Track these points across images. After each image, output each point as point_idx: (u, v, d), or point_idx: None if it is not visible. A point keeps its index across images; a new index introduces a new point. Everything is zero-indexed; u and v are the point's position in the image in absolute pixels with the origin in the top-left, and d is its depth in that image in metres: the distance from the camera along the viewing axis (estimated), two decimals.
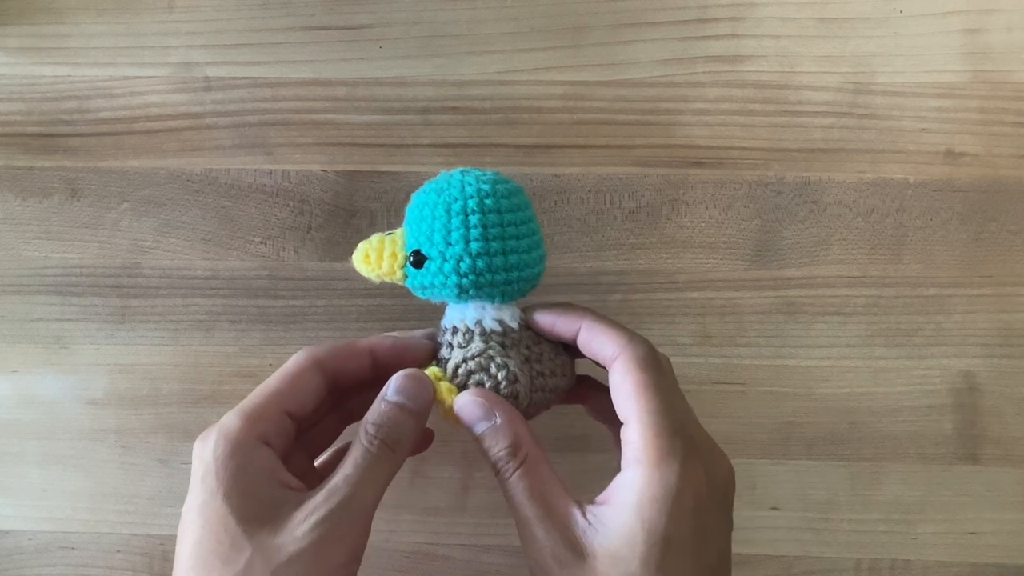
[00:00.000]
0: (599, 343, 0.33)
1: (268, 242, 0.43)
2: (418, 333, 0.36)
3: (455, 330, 0.34)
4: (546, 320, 0.34)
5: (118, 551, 0.44)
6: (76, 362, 0.43)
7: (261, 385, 0.32)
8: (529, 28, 0.41)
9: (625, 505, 0.30)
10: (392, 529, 0.43)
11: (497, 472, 0.32)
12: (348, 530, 0.30)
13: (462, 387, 0.33)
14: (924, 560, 0.43)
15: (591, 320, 0.34)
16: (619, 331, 0.33)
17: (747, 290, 0.42)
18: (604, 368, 0.33)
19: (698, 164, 0.42)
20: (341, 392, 0.34)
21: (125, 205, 0.43)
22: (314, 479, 0.32)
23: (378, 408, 0.32)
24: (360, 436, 0.31)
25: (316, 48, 0.42)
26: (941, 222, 0.42)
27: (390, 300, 0.43)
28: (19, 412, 0.44)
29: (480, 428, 0.32)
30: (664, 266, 0.42)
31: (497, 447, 0.31)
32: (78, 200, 0.43)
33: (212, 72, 0.42)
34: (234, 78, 0.42)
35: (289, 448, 0.32)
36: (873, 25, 0.41)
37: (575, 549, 0.30)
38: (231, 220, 0.43)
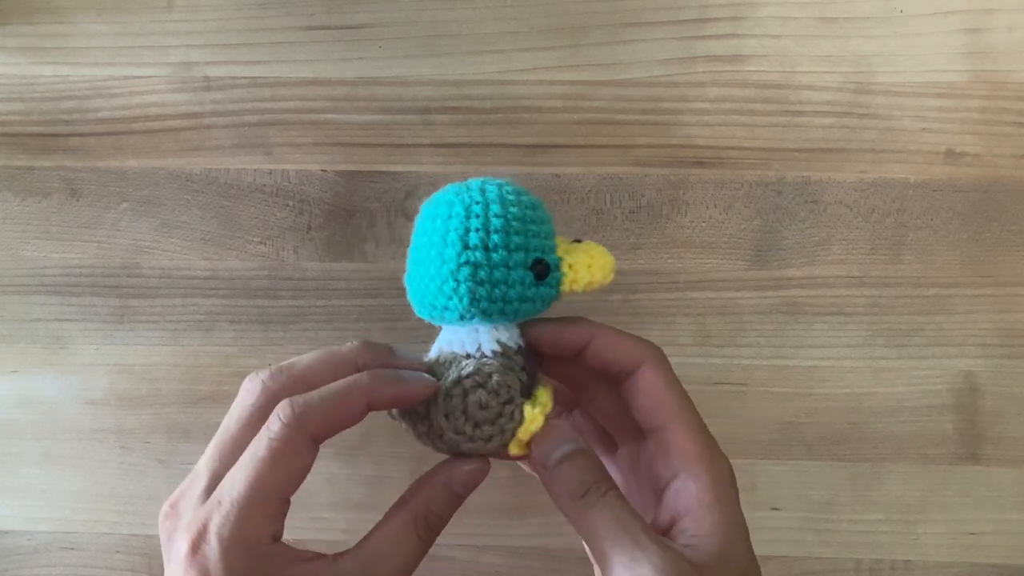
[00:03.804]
0: (618, 351, 0.32)
1: (268, 242, 0.43)
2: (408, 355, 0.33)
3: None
4: (551, 335, 0.32)
5: (118, 551, 0.44)
6: (75, 362, 0.43)
7: (250, 473, 0.27)
8: (529, 28, 0.41)
9: (704, 504, 0.29)
10: None
11: (583, 495, 0.29)
12: None
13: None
14: (924, 560, 0.43)
15: (602, 329, 0.32)
16: (634, 337, 0.32)
17: (747, 290, 0.42)
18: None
19: (698, 164, 0.42)
20: None
21: (124, 205, 0.43)
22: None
23: (442, 498, 0.30)
24: (414, 522, 0.30)
25: (316, 48, 0.42)
26: (942, 222, 0.42)
27: (390, 300, 0.43)
28: (18, 412, 0.44)
29: (565, 450, 0.30)
30: (664, 266, 0.42)
31: (588, 466, 0.30)
32: (77, 200, 0.43)
33: (211, 72, 0.42)
34: (233, 78, 0.42)
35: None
36: (874, 25, 0.41)
37: (690, 563, 0.27)
38: (230, 220, 0.43)
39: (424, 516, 0.30)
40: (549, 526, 0.43)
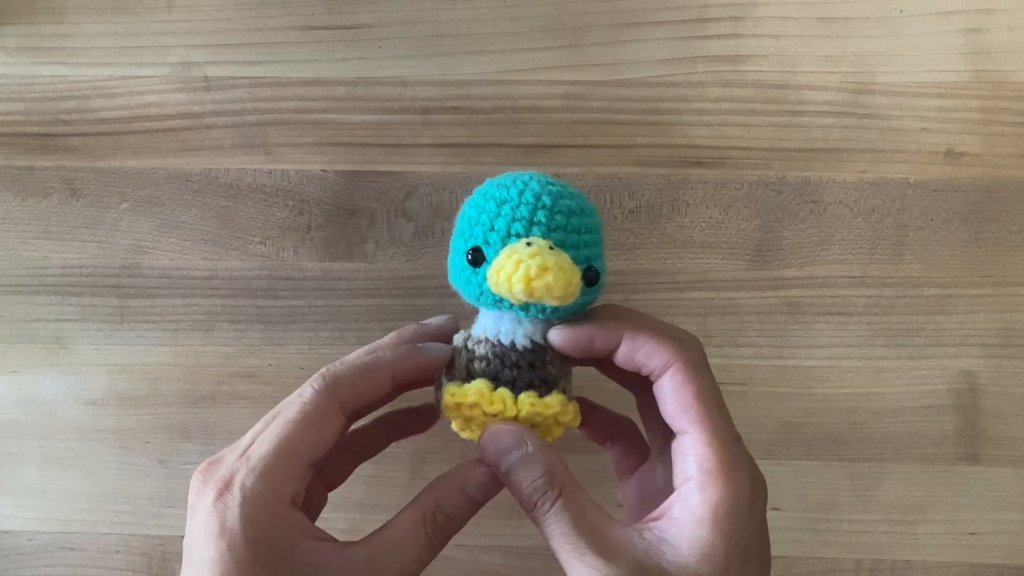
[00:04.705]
0: (647, 353, 0.30)
1: (268, 242, 0.43)
2: (434, 322, 0.34)
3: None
4: (582, 338, 0.31)
5: (117, 551, 0.44)
6: (75, 362, 0.43)
7: (280, 432, 0.29)
8: (529, 28, 0.41)
9: (697, 518, 0.28)
10: None
11: (533, 507, 0.29)
12: None
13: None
14: (924, 560, 0.43)
15: (633, 330, 0.31)
16: (667, 336, 0.30)
17: (747, 290, 0.42)
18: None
19: (698, 164, 0.42)
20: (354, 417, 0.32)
21: (124, 205, 0.43)
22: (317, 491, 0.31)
23: (455, 500, 0.30)
24: (423, 520, 0.29)
25: (316, 48, 0.42)
26: (942, 222, 0.42)
27: (390, 300, 0.43)
28: (18, 412, 0.44)
29: (510, 460, 0.30)
30: (664, 266, 0.42)
31: (530, 477, 0.29)
32: (77, 200, 0.43)
33: (211, 72, 0.42)
34: (233, 78, 0.42)
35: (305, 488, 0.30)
36: (874, 25, 0.41)
37: (645, 572, 0.27)
38: (230, 220, 0.43)
39: (433, 516, 0.30)
40: None
